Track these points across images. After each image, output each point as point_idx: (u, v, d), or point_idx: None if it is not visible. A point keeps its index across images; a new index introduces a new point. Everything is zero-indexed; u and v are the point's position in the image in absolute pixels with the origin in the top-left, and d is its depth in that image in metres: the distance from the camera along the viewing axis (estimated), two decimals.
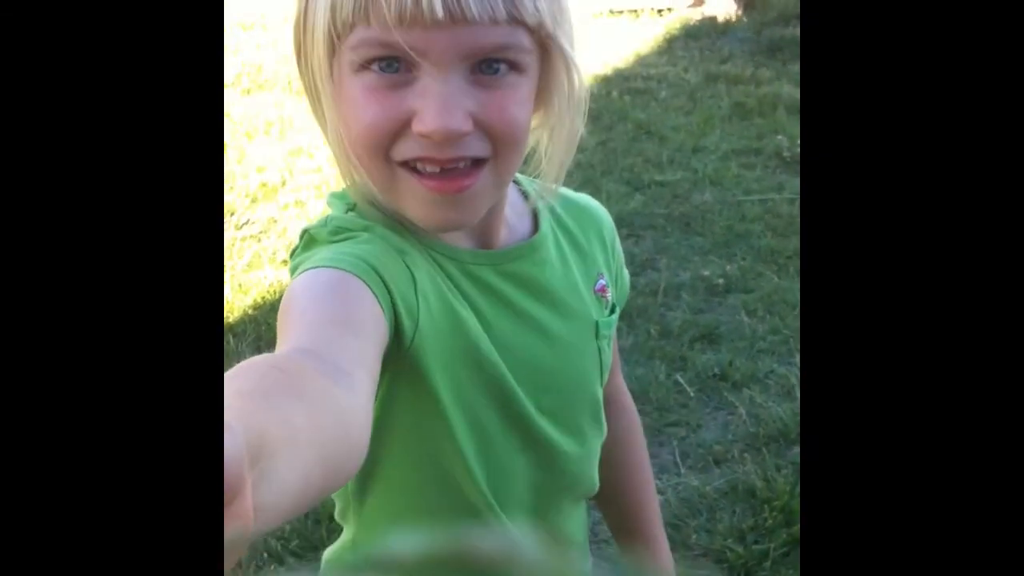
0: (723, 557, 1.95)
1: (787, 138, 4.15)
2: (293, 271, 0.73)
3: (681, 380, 2.53)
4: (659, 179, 3.82)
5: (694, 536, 2.01)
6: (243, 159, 4.09)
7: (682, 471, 2.21)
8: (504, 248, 0.81)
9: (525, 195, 0.85)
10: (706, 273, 3.07)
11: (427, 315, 0.72)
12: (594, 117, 4.25)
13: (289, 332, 0.64)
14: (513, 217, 0.83)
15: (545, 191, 0.82)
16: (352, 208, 0.78)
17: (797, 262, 2.87)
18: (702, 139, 4.26)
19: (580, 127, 0.78)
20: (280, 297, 0.72)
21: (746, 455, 2.24)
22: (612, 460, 0.95)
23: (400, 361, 0.71)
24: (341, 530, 0.88)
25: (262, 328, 2.76)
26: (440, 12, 0.65)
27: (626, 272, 0.95)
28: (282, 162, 4.01)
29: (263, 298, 2.97)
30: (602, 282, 0.88)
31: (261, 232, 3.44)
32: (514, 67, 0.70)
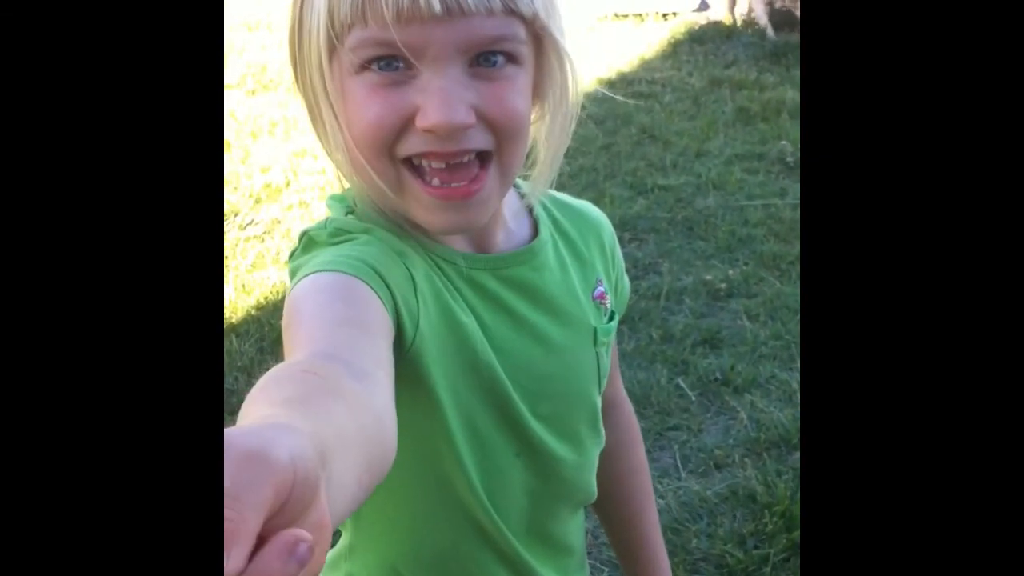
0: (723, 562, 1.95)
1: (790, 143, 4.16)
2: (293, 273, 0.73)
3: (683, 384, 2.53)
4: (662, 183, 3.83)
5: (694, 541, 2.01)
6: (247, 159, 4.10)
7: (683, 475, 2.21)
8: (503, 253, 0.81)
9: (520, 194, 0.85)
10: (708, 277, 3.07)
11: (426, 317, 0.73)
12: (598, 121, 4.26)
13: (301, 337, 0.64)
14: (512, 221, 0.83)
15: (539, 187, 0.81)
16: (351, 210, 0.78)
17: (799, 267, 2.86)
18: (706, 143, 4.26)
19: (574, 119, 0.78)
20: (284, 298, 0.72)
21: (747, 460, 2.24)
22: (611, 466, 0.95)
23: (400, 363, 0.71)
24: (339, 535, 0.88)
25: (265, 329, 2.76)
26: (438, 6, 0.65)
27: (626, 279, 0.94)
28: (286, 163, 4.02)
29: (266, 298, 2.97)
30: (601, 289, 0.88)
31: (265, 233, 3.45)
32: (511, 59, 0.70)
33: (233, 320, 2.85)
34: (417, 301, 0.72)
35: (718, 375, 2.57)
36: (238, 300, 2.96)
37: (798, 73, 5.02)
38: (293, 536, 0.35)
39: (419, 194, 0.72)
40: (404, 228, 0.76)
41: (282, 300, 0.74)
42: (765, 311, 2.87)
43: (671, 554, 1.07)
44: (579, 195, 0.94)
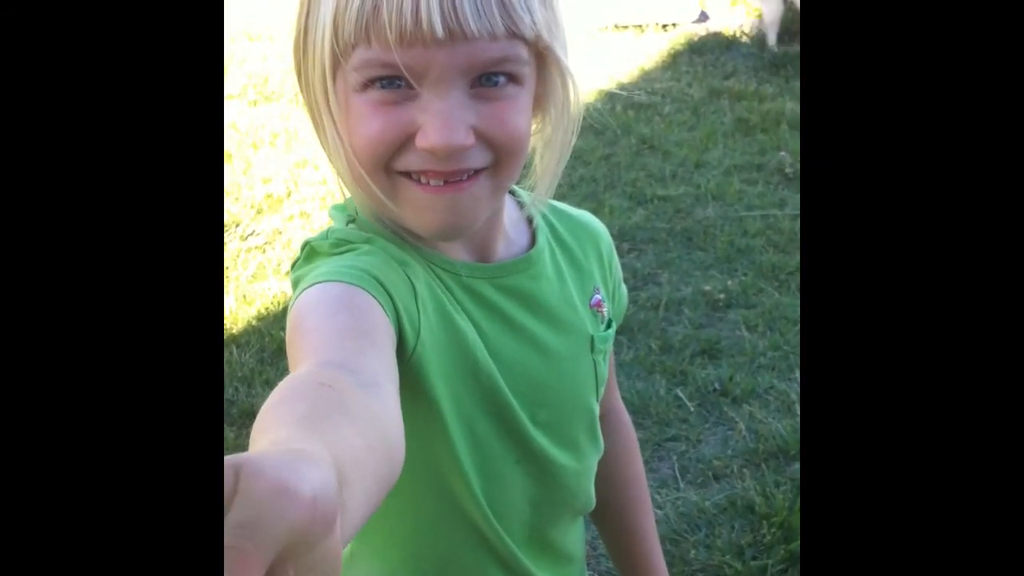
0: (721, 573, 1.95)
1: (790, 154, 4.16)
2: (295, 283, 0.74)
3: (681, 395, 2.53)
4: (662, 194, 3.83)
5: (692, 551, 2.01)
6: (248, 170, 4.10)
7: (681, 486, 2.21)
8: (501, 262, 0.82)
9: (520, 204, 0.86)
10: (707, 288, 3.08)
11: (427, 326, 0.73)
12: (597, 132, 4.26)
13: (307, 347, 0.64)
14: (512, 231, 0.84)
15: (539, 198, 0.82)
16: (353, 220, 0.79)
17: (798, 278, 2.87)
18: (705, 154, 4.26)
19: (574, 134, 0.79)
20: (285, 308, 0.72)
21: (745, 471, 2.24)
22: (608, 475, 0.96)
23: (401, 371, 0.72)
24: None
25: (266, 339, 2.76)
26: (440, 30, 0.66)
27: (624, 288, 0.95)
28: (287, 173, 4.02)
29: (267, 309, 2.97)
30: (598, 296, 0.89)
31: (266, 243, 3.45)
32: (513, 79, 0.71)
33: (234, 331, 2.85)
34: (418, 309, 0.73)
35: (717, 385, 2.57)
36: (239, 311, 2.96)
37: (797, 84, 5.03)
38: None
39: (412, 194, 0.73)
40: (404, 238, 0.77)
41: (283, 311, 0.74)
42: (764, 322, 2.87)
43: (669, 565, 1.07)
44: (578, 205, 0.94)
